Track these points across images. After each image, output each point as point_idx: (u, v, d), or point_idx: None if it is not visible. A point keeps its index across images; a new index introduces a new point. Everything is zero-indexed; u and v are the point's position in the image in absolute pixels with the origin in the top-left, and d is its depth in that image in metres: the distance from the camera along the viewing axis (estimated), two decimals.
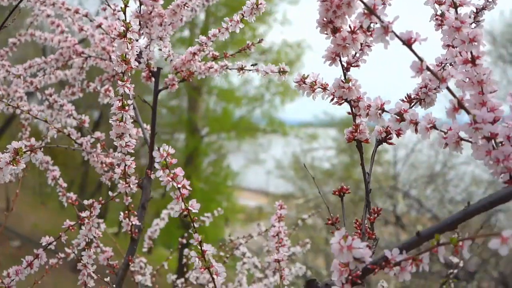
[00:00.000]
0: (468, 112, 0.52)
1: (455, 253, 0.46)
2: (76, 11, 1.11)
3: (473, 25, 0.70)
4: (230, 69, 0.97)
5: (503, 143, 0.52)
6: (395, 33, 0.51)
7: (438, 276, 5.96)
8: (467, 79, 0.55)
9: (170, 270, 1.75)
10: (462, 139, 0.55)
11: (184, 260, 1.42)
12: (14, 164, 0.68)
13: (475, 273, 5.36)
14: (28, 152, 0.67)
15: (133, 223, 0.99)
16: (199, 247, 0.65)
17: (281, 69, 0.84)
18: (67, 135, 0.98)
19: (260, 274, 1.38)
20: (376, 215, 0.63)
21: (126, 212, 0.98)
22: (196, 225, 0.67)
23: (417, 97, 0.70)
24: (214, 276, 0.65)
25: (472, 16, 0.70)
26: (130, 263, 0.99)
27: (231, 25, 0.89)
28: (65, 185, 1.13)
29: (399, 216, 5.61)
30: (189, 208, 0.63)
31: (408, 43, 0.51)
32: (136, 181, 0.92)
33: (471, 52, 0.54)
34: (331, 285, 0.57)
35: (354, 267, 0.51)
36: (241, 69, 0.95)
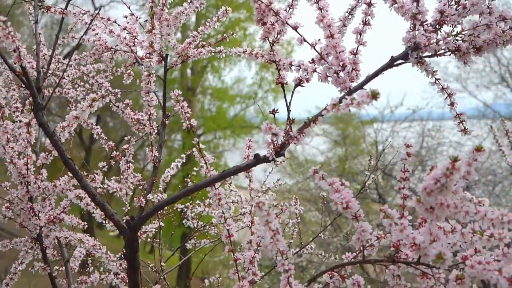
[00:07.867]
0: (325, 61, 1.05)
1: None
2: (108, 19, 1.64)
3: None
4: (213, 52, 1.51)
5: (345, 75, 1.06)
6: (288, 24, 1.04)
7: None
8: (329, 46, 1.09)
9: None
10: (328, 76, 1.09)
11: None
12: (91, 107, 1.21)
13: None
14: (101, 98, 1.20)
15: (155, 155, 1.52)
16: (198, 147, 1.19)
17: (247, 51, 1.37)
18: (109, 100, 1.50)
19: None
20: (292, 123, 1.17)
21: (150, 147, 1.51)
22: (196, 138, 1.20)
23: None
24: (207, 161, 1.18)
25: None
26: (153, 182, 1.52)
27: (212, 23, 1.44)
28: (105, 138, 1.66)
29: (381, 193, 6.17)
30: (191, 123, 1.17)
31: (295, 28, 1.05)
32: (157, 125, 1.46)
33: (329, 31, 1.07)
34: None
35: (275, 139, 1.05)
36: (220, 51, 1.49)
